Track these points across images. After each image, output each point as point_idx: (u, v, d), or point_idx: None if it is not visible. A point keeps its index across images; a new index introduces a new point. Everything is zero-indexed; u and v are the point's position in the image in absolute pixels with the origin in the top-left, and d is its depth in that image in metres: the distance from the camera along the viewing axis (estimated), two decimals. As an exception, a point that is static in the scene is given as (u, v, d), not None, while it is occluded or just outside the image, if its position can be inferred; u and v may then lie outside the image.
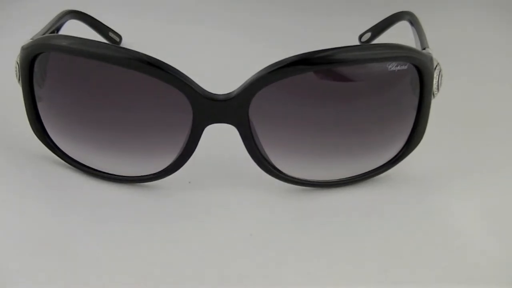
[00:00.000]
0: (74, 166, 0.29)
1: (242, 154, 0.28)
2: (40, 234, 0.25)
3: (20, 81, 0.29)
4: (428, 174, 0.30)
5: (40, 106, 0.29)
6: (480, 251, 0.25)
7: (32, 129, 0.29)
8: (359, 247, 0.25)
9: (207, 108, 0.26)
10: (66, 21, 0.39)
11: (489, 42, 0.50)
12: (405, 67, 0.27)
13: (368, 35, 0.48)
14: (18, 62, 0.28)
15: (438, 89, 0.29)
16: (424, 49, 0.31)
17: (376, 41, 0.47)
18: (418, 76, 0.27)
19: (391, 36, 0.45)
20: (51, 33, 0.34)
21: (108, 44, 0.28)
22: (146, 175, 0.28)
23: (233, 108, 0.26)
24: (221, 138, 0.29)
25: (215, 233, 0.26)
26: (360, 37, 0.48)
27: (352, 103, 0.28)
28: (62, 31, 0.37)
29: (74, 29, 0.37)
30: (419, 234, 0.26)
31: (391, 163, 0.29)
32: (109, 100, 0.28)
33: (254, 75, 0.26)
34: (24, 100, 0.29)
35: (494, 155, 0.32)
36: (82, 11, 0.44)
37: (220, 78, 0.32)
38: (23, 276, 0.23)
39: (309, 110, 0.28)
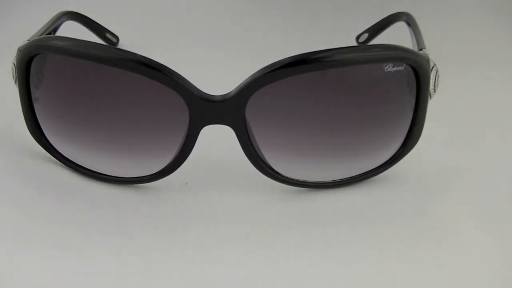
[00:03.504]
0: (71, 167, 0.29)
1: (238, 155, 0.28)
2: (36, 235, 0.25)
3: (17, 82, 0.29)
4: (425, 175, 0.30)
5: (37, 107, 0.29)
6: (478, 251, 0.25)
7: (29, 130, 0.29)
8: (356, 248, 0.25)
9: (203, 109, 0.26)
10: (63, 22, 0.39)
11: (487, 42, 0.50)
12: (402, 68, 0.27)
13: (365, 36, 0.48)
14: (15, 63, 0.28)
15: (435, 89, 0.29)
16: (421, 49, 0.31)
17: (374, 41, 0.47)
18: (415, 77, 0.27)
19: (389, 36, 0.45)
20: (48, 34, 0.34)
21: (105, 45, 0.28)
22: (143, 177, 0.28)
23: (230, 109, 0.26)
24: (217, 139, 0.29)
25: (211, 234, 0.26)
26: (358, 38, 0.48)
27: (348, 104, 0.28)
28: (59, 32, 0.37)
29: (71, 30, 0.37)
30: (416, 235, 0.26)
31: (388, 164, 0.29)
32: (105, 102, 0.28)
33: (251, 76, 0.26)
34: (21, 101, 0.29)
35: (491, 156, 0.32)
36: (79, 12, 0.44)
37: (217, 79, 0.32)
38: (21, 278, 0.23)
39: (306, 111, 0.28)
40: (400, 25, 0.42)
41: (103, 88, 0.28)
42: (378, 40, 0.47)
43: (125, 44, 0.48)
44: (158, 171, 0.28)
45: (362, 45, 0.47)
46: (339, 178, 0.29)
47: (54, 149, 0.30)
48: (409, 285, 0.23)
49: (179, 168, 0.28)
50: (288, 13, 0.54)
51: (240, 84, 0.26)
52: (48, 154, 0.30)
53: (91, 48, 0.26)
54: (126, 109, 0.28)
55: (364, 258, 0.24)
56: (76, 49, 0.26)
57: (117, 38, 0.48)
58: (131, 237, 0.25)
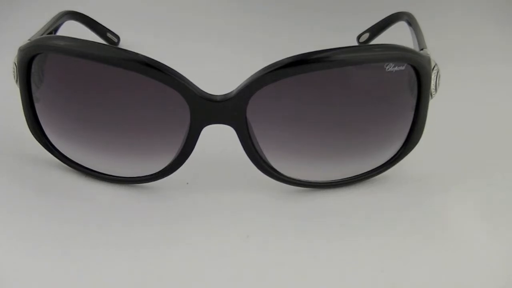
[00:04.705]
0: (72, 166, 0.29)
1: (239, 155, 0.28)
2: (36, 234, 0.25)
3: (18, 82, 0.29)
4: (426, 175, 0.30)
5: (38, 107, 0.29)
6: (478, 252, 0.25)
7: (30, 130, 0.29)
8: (356, 248, 0.25)
9: (205, 109, 0.26)
10: (64, 22, 0.39)
11: (488, 42, 0.50)
12: (403, 67, 0.27)
13: (366, 35, 0.48)
14: (16, 63, 0.28)
15: (436, 89, 0.29)
16: (422, 49, 0.31)
17: (375, 41, 0.47)
18: (416, 76, 0.27)
19: (389, 36, 0.45)
20: (48, 34, 0.34)
21: (106, 45, 0.28)
22: (144, 176, 0.28)
23: (231, 109, 0.26)
24: (219, 139, 0.29)
25: (212, 235, 0.26)
26: (358, 37, 0.48)
27: (349, 104, 0.28)
28: (60, 32, 0.37)
29: (72, 30, 0.37)
30: (417, 235, 0.26)
31: (389, 163, 0.29)
32: (107, 101, 0.28)
33: (252, 76, 0.26)
34: (22, 101, 0.29)
35: (492, 156, 0.32)
36: (80, 12, 0.44)
37: (218, 79, 0.32)
38: (20, 277, 0.23)
39: (307, 111, 0.28)
40: (401, 25, 0.42)
41: (104, 88, 0.28)
42: (379, 40, 0.47)
43: (126, 43, 0.48)
44: (159, 171, 0.28)
45: (363, 45, 0.47)
46: (340, 178, 0.29)
47: (55, 148, 0.30)
48: (410, 284, 0.23)
49: (180, 168, 0.28)
50: (289, 13, 0.54)
51: (241, 84, 0.26)
52: (49, 154, 0.30)
53: (92, 47, 0.26)
54: (127, 109, 0.28)
55: (365, 258, 0.24)
56: (77, 48, 0.26)
57: (118, 37, 0.48)
58: (131, 236, 0.25)
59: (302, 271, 0.24)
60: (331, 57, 0.26)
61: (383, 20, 0.46)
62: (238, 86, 0.26)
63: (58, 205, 0.27)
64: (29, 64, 0.28)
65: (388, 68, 0.27)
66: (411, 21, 0.40)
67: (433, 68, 0.28)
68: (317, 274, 0.23)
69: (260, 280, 0.23)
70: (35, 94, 0.29)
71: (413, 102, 0.28)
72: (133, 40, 0.48)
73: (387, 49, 0.27)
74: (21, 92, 0.29)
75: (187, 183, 0.29)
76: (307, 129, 0.28)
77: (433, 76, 0.28)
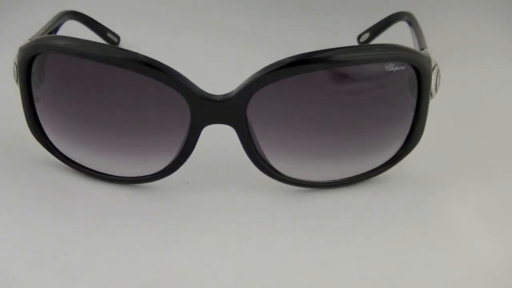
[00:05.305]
0: (72, 167, 0.29)
1: (240, 155, 0.28)
2: (36, 235, 0.25)
3: (18, 82, 0.29)
4: (426, 175, 0.30)
5: (38, 106, 0.29)
6: (478, 252, 0.25)
7: (30, 130, 0.29)
8: (356, 248, 0.25)
9: (205, 109, 0.26)
10: (64, 22, 0.39)
11: (488, 42, 0.50)
12: (403, 67, 0.27)
13: (367, 35, 0.48)
14: (16, 63, 0.28)
15: (436, 89, 0.29)
16: (422, 49, 0.31)
17: (375, 41, 0.47)
18: (416, 76, 0.27)
19: (390, 36, 0.45)
20: (49, 33, 0.34)
21: (106, 45, 0.28)
22: (144, 176, 0.28)
23: (231, 109, 0.26)
24: (219, 139, 0.29)
25: (212, 235, 0.26)
26: (359, 37, 0.48)
27: (350, 103, 0.28)
28: (60, 32, 0.37)
29: (72, 29, 0.37)
30: (417, 235, 0.26)
31: (389, 164, 0.29)
32: (107, 101, 0.28)
33: (252, 76, 0.26)
34: (22, 101, 0.29)
35: (492, 156, 0.32)
36: (80, 11, 0.44)
37: (218, 79, 0.32)
38: (19, 278, 0.23)
39: (307, 111, 0.28)
40: (401, 25, 0.42)
41: (105, 88, 0.28)
42: (379, 39, 0.47)
43: (126, 43, 0.48)
44: (159, 171, 0.28)
45: (364, 44, 0.47)
46: (340, 178, 0.29)
47: (55, 148, 0.30)
48: (410, 284, 0.23)
49: (180, 168, 0.28)
50: (289, 13, 0.54)
51: (241, 84, 0.26)
52: (49, 154, 0.30)
53: (93, 47, 0.26)
54: (128, 109, 0.28)
55: (365, 258, 0.24)
56: (77, 48, 0.26)
57: (118, 37, 0.48)
58: (131, 236, 0.25)
59: (302, 271, 0.24)
60: (331, 57, 0.26)
61: (383, 20, 0.46)
62: (238, 86, 0.26)
63: (58, 205, 0.27)
64: (29, 64, 0.28)
65: (388, 68, 0.27)
66: (412, 21, 0.40)
67: (433, 68, 0.28)
68: (317, 274, 0.23)
69: (260, 280, 0.23)
70: (36, 94, 0.29)
71: (413, 102, 0.28)
72: (133, 40, 0.48)
73: (387, 49, 0.27)
74: (21, 92, 0.29)
75: (187, 183, 0.29)
76: (307, 129, 0.28)
77: (433, 76, 0.28)
